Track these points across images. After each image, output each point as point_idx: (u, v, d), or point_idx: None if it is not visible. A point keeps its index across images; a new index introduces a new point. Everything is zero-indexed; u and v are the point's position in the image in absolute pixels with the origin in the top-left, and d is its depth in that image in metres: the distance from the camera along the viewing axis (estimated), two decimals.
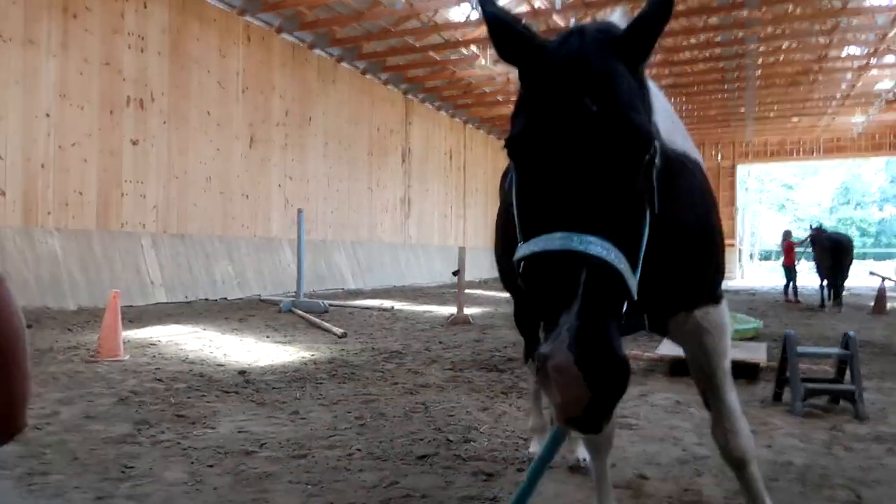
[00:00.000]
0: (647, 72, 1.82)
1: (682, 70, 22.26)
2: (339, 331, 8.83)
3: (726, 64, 21.08)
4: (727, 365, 2.33)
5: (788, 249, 17.63)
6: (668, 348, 6.95)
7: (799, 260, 18.02)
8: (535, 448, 3.71)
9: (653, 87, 2.13)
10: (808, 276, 22.44)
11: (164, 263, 12.96)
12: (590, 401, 1.28)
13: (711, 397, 2.36)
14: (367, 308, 12.74)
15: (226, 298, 13.84)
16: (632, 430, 4.38)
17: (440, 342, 8.44)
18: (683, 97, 25.31)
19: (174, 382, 5.63)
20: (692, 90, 24.20)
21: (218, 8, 14.94)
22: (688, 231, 2.10)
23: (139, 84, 12.91)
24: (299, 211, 12.68)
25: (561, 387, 1.29)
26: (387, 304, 13.48)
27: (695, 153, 2.28)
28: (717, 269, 2.28)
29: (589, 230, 1.39)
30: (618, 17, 1.88)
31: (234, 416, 4.57)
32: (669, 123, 2.15)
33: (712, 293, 2.29)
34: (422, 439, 4.10)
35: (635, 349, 7.54)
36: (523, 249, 1.47)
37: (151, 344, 7.68)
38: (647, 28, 1.57)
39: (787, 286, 17.32)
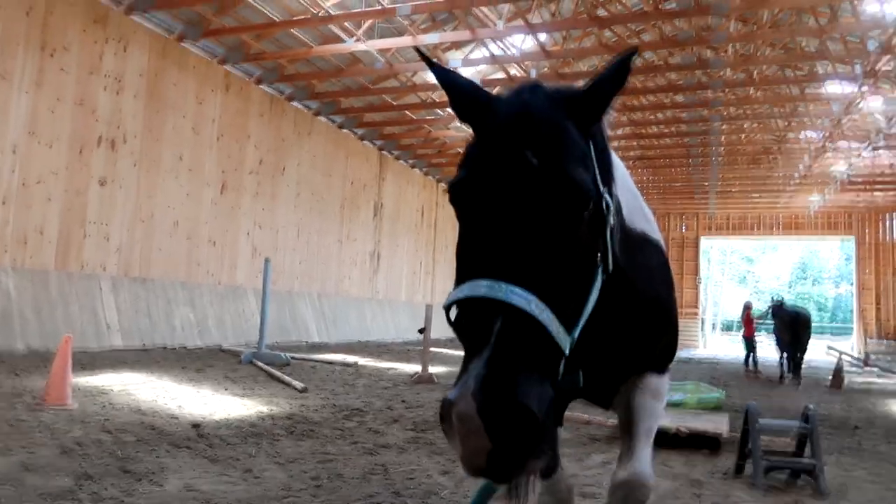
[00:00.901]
0: (608, 144, 1.86)
1: (650, 143, 23.02)
2: (299, 385, 8.61)
3: (691, 140, 21.87)
4: (652, 425, 2.35)
5: (748, 321, 17.88)
6: None
7: (758, 331, 18.29)
8: None
9: (618, 162, 2.18)
10: (768, 349, 22.74)
11: (123, 307, 12.61)
12: (491, 452, 1.22)
13: (626, 445, 2.35)
14: (330, 363, 12.50)
15: (185, 346, 13.47)
16: (595, 499, 4.29)
17: (403, 401, 8.28)
18: (651, 169, 26.08)
19: (123, 434, 5.38)
20: (659, 163, 24.98)
21: (199, 56, 15.07)
22: (646, 305, 2.17)
23: (112, 125, 12.82)
24: (266, 260, 12.54)
25: (462, 435, 1.24)
26: (350, 359, 13.26)
27: (656, 234, 2.37)
28: (668, 345, 2.42)
29: (518, 281, 1.35)
30: None
31: (183, 473, 4.36)
32: (632, 201, 2.20)
33: (660, 365, 2.41)
34: (379, 503, 3.96)
35: (599, 416, 7.48)
36: (451, 295, 1.45)
37: (102, 392, 7.37)
38: (603, 90, 1.61)
39: (747, 357, 17.48)
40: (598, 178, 1.61)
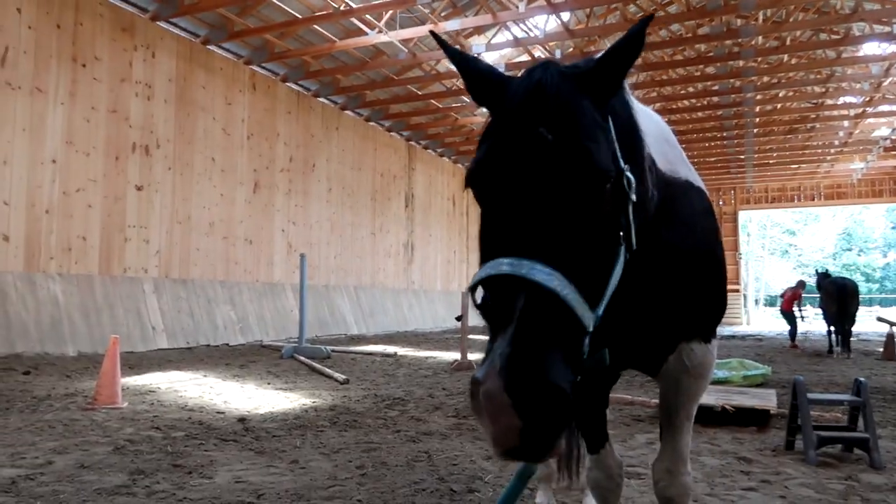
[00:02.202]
0: (634, 113, 1.83)
1: (681, 118, 22.56)
2: (341, 377, 8.70)
3: (724, 112, 21.37)
4: (693, 409, 2.31)
5: (792, 297, 17.61)
6: None
7: (804, 306, 17.98)
8: (542, 499, 3.59)
9: (647, 111, 2.18)
10: (816, 322, 22.28)
11: (166, 309, 12.89)
12: (522, 430, 1.20)
13: (665, 434, 2.34)
14: (370, 354, 12.61)
15: (227, 344, 13.72)
16: (640, 479, 4.24)
17: (444, 388, 8.31)
18: (684, 144, 25.40)
19: (172, 431, 5.51)
20: (692, 137, 24.47)
21: (224, 57, 15.24)
22: (688, 256, 2.08)
23: (145, 131, 13.07)
24: (302, 256, 12.67)
25: (490, 414, 1.22)
26: (390, 349, 13.35)
27: (697, 181, 2.29)
28: (717, 302, 2.25)
29: (540, 257, 1.34)
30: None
31: (232, 466, 4.44)
32: (668, 150, 2.16)
33: (707, 328, 2.26)
34: (424, 489, 3.98)
35: (642, 396, 7.41)
36: (475, 276, 1.43)
37: (150, 391, 7.56)
38: (616, 62, 1.57)
39: (793, 332, 17.28)
40: (619, 153, 1.57)
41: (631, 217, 1.59)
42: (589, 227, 1.43)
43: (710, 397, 6.65)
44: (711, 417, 6.07)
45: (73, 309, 11.14)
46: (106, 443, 4.99)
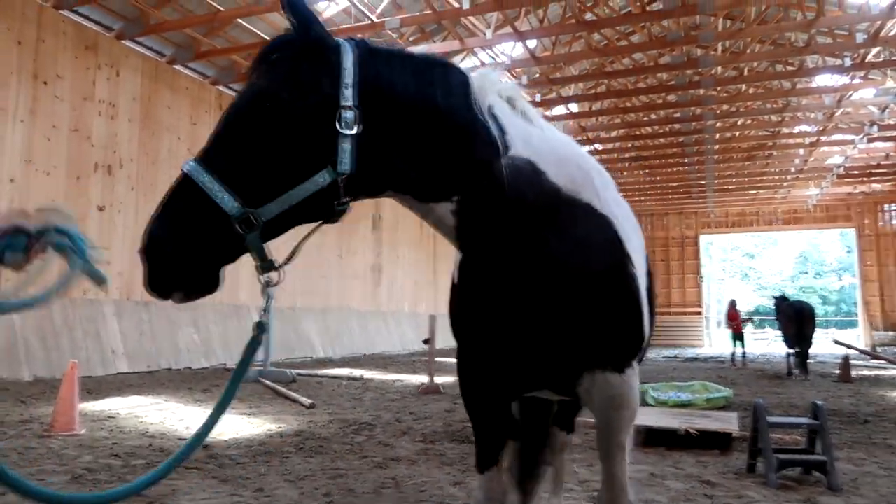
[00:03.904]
0: (528, 118, 2.14)
1: (644, 144, 23.11)
2: (307, 401, 8.60)
3: (686, 139, 21.93)
4: (622, 438, 2.27)
5: (733, 317, 19.60)
6: (642, 418, 6.90)
7: (745, 325, 20.40)
8: None
9: (554, 136, 2.28)
10: (775, 345, 23.08)
11: (127, 332, 12.60)
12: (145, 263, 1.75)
13: (602, 464, 2.33)
14: (337, 377, 12.49)
15: (190, 368, 13.45)
16: None
17: (411, 412, 8.27)
18: (647, 169, 26.13)
19: (132, 458, 5.37)
20: (654, 163, 25.03)
21: (191, 77, 15.14)
22: (577, 275, 2.06)
23: (108, 150, 12.86)
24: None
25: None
26: (356, 372, 13.24)
27: (610, 209, 2.22)
28: (625, 331, 2.17)
29: (202, 158, 1.80)
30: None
31: (194, 495, 4.35)
32: (576, 173, 2.18)
33: (616, 358, 2.17)
34: None
35: None
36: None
37: (110, 417, 7.37)
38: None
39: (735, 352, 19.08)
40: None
41: (342, 145, 1.80)
42: (253, 146, 1.77)
43: (675, 420, 6.75)
44: (675, 441, 6.16)
45: (29, 332, 10.82)
46: (63, 472, 4.84)
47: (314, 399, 8.98)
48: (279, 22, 14.44)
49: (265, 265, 1.93)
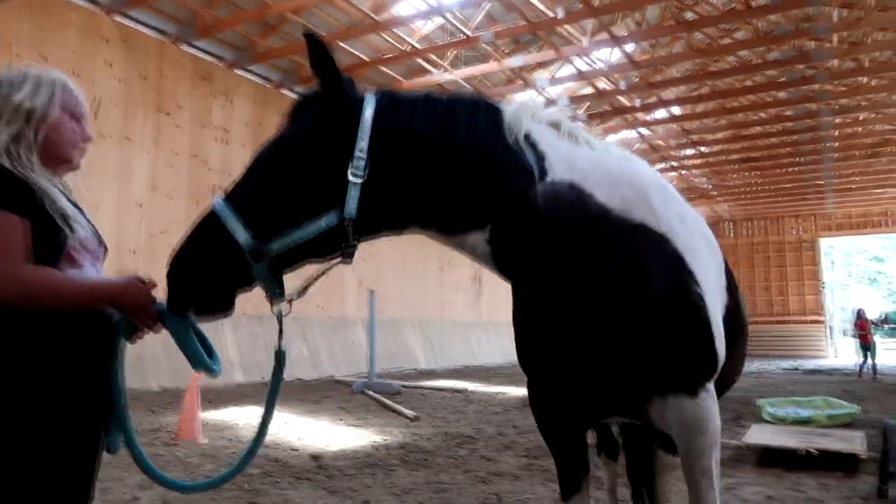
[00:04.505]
0: (561, 135, 2.16)
1: (754, 144, 21.97)
2: (411, 414, 8.76)
3: (799, 137, 20.67)
4: (707, 464, 2.16)
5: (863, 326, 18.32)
6: (757, 436, 6.57)
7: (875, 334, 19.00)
8: None
9: (601, 157, 2.22)
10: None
11: (242, 344, 13.32)
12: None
13: (689, 494, 2.23)
14: (440, 389, 12.63)
15: (301, 379, 14.02)
16: None
17: (514, 426, 8.24)
18: (758, 171, 24.84)
19: (249, 467, 5.66)
20: (765, 164, 23.74)
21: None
22: (627, 298, 2.02)
23: (223, 173, 13.70)
24: (371, 292, 12.90)
25: None
26: (459, 384, 13.35)
27: (670, 224, 2.15)
28: (688, 352, 2.07)
29: (229, 198, 2.00)
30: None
31: None
32: (629, 193, 2.13)
33: (686, 381, 2.09)
34: None
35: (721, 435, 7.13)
36: None
37: (228, 426, 7.81)
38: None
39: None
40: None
41: (351, 192, 1.94)
42: (269, 187, 1.97)
43: (793, 439, 6.37)
44: (795, 461, 5.81)
45: (156, 345, 11.66)
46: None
47: (418, 411, 9.13)
48: (378, 43, 14.92)
49: (274, 294, 2.09)
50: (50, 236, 1.78)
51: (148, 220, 12.15)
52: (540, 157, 2.09)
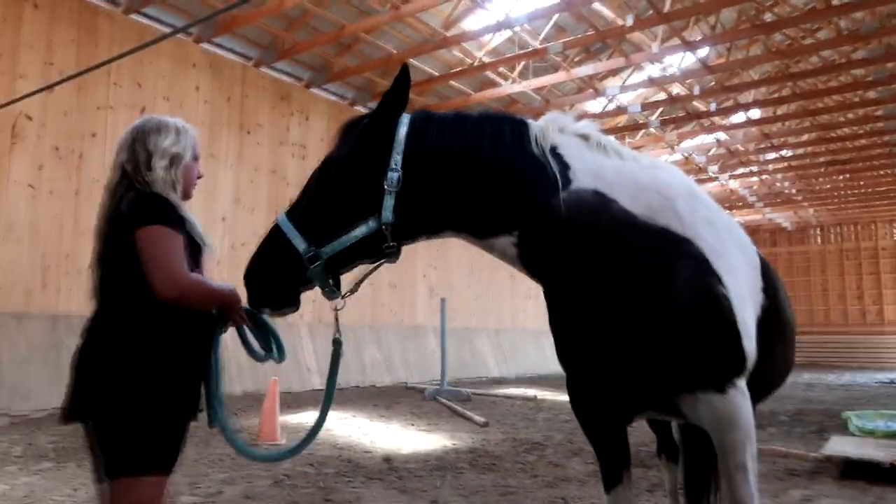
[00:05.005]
0: (590, 147, 2.32)
1: (842, 146, 20.97)
2: (481, 420, 8.87)
3: (891, 137, 19.58)
4: (742, 459, 2.21)
5: None
6: (838, 448, 6.33)
7: None
8: None
9: (629, 167, 2.35)
10: None
11: (319, 351, 13.79)
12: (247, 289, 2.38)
13: (723, 488, 2.31)
14: (510, 397, 12.69)
15: (374, 385, 14.37)
16: None
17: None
18: (847, 174, 23.68)
19: (324, 467, 5.94)
20: (855, 167, 22.59)
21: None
22: (649, 299, 2.13)
23: (300, 187, 14.13)
24: (442, 300, 13.11)
25: None
26: (530, 392, 13.36)
27: (696, 229, 2.24)
28: (713, 350, 2.15)
29: (289, 212, 2.39)
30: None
31: (377, 502, 4.74)
32: (654, 200, 2.24)
33: (715, 378, 2.17)
34: None
35: (799, 448, 6.92)
36: None
37: (305, 429, 8.10)
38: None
39: None
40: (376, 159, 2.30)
41: (387, 201, 2.21)
42: (321, 200, 2.31)
43: (879, 452, 6.10)
44: (879, 474, 5.58)
45: (239, 351, 12.20)
46: (267, 476, 5.49)
47: (488, 418, 9.23)
48: (447, 57, 15.20)
49: (328, 291, 2.39)
50: (193, 250, 2.35)
51: (231, 233, 12.80)
52: (564, 168, 2.25)
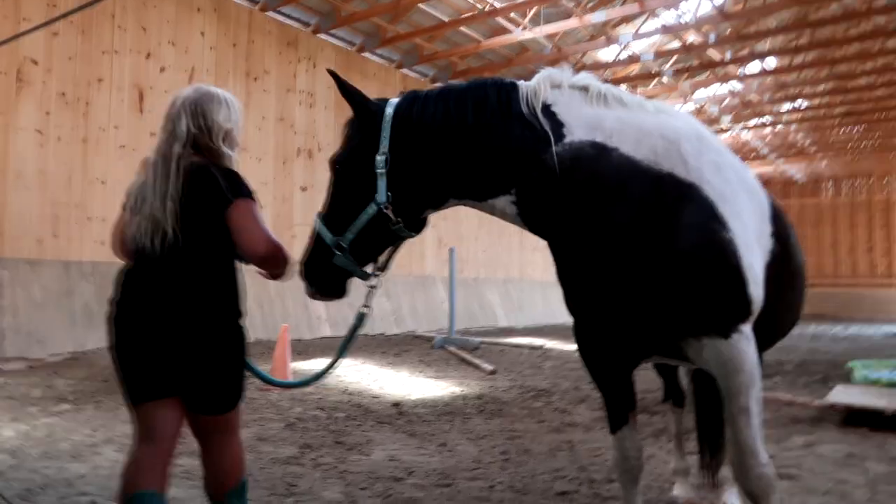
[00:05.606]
0: (537, 89, 2.33)
1: (860, 97, 20.58)
2: (489, 367, 8.99)
3: None
4: (745, 402, 2.24)
5: None
6: (841, 396, 6.39)
7: None
8: (680, 491, 3.60)
9: (618, 114, 2.33)
10: None
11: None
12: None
13: (727, 431, 2.36)
14: (518, 346, 12.81)
15: (383, 334, 14.54)
16: (792, 480, 4.09)
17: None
18: (865, 125, 23.29)
19: (334, 411, 6.06)
20: (872, 118, 22.21)
21: (378, 63, 16.12)
22: (652, 244, 2.16)
23: (308, 136, 14.16)
24: (451, 250, 13.14)
25: None
26: (538, 342, 13.48)
27: (701, 172, 2.23)
28: (716, 295, 2.15)
29: (322, 212, 2.63)
30: None
31: (386, 445, 4.85)
32: (660, 145, 2.24)
33: (718, 323, 2.19)
34: (564, 476, 4.12)
35: (804, 395, 6.99)
36: None
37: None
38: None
39: None
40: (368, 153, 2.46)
41: (379, 183, 2.37)
42: (335, 195, 2.55)
43: (882, 399, 6.15)
44: (882, 422, 5.63)
45: (250, 299, 12.35)
46: (279, 419, 5.61)
47: (496, 366, 9.34)
48: (457, 3, 14.86)
49: (358, 275, 2.62)
50: None
51: None
52: (558, 124, 2.25)
